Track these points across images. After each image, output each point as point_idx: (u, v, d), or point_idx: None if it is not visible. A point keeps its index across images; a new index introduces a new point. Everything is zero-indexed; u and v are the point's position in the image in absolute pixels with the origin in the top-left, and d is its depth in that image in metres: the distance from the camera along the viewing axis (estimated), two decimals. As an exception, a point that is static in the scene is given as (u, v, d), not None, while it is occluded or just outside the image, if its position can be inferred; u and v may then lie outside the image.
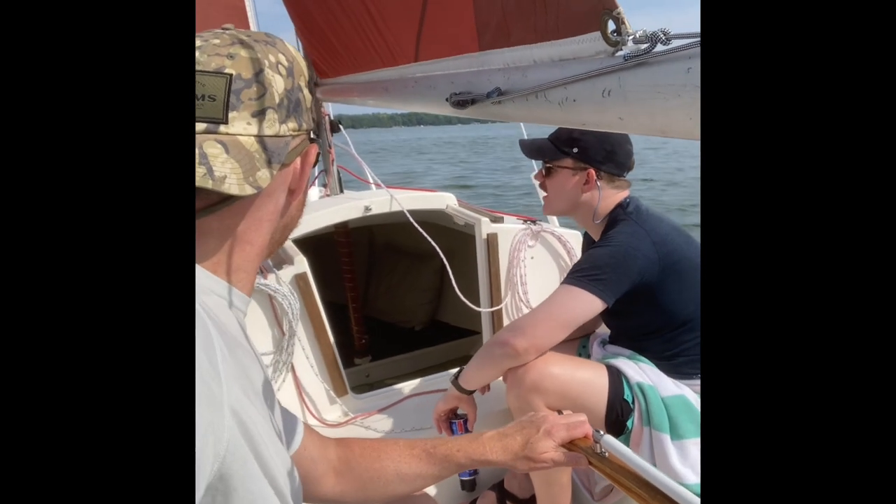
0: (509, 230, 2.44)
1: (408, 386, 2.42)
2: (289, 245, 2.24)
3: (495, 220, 2.44)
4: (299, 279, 2.13)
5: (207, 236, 0.81)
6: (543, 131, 1.86)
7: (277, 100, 0.82)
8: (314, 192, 3.07)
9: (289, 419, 1.04)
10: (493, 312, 2.43)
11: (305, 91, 0.90)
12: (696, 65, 0.74)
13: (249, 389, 0.75)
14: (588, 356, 2.00)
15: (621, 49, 0.88)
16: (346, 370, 2.70)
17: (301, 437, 1.06)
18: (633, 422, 1.65)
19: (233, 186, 0.74)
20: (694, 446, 1.61)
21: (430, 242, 2.32)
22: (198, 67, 0.77)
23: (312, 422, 2.17)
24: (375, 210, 2.42)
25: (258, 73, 0.80)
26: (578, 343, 2.13)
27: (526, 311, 2.39)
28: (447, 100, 1.29)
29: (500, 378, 1.73)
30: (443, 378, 2.37)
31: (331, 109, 2.85)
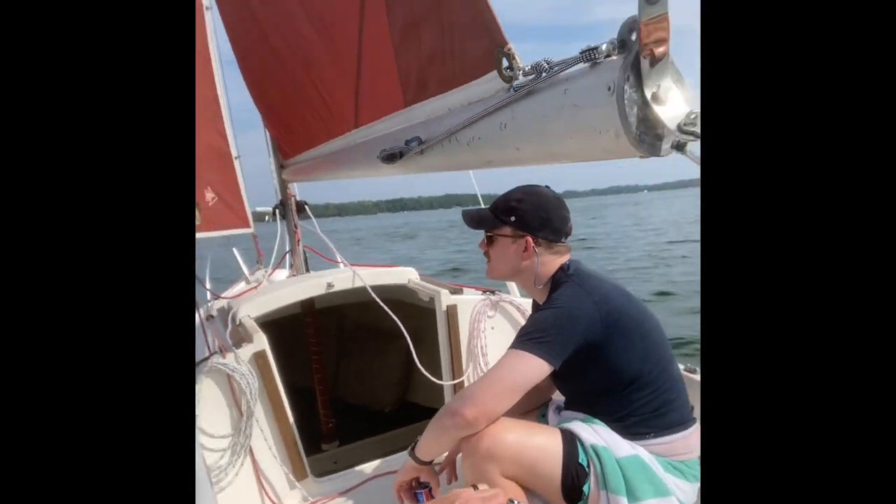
0: (469, 301, 2.43)
1: (370, 467, 2.34)
2: (248, 323, 2.21)
3: (454, 291, 2.44)
4: (258, 357, 2.09)
5: None
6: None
7: None
8: (282, 273, 3.08)
9: None
10: (454, 385, 2.38)
11: None
12: (574, 85, 0.77)
13: None
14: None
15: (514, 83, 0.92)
16: (313, 456, 2.61)
17: None
18: (590, 486, 1.58)
19: None
20: (652, 509, 1.54)
21: (394, 319, 2.30)
22: None
23: (270, 507, 2.07)
24: (338, 287, 2.42)
25: None
26: (537, 413, 2.07)
27: (486, 381, 2.34)
28: (378, 157, 1.32)
29: None
30: (404, 457, 2.29)
31: (297, 191, 2.90)
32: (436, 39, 1.09)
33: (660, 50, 0.66)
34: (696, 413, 1.76)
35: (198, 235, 2.80)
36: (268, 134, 2.67)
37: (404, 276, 2.62)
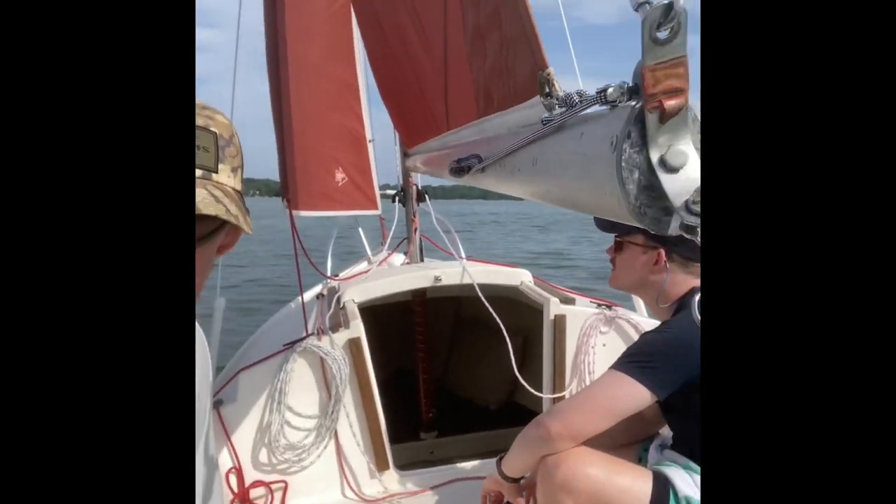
0: (580, 313, 2.28)
1: (461, 467, 2.30)
2: (350, 308, 2.25)
3: (566, 300, 2.30)
4: (352, 343, 2.12)
5: None
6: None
7: (242, 162, 0.92)
8: (397, 259, 3.10)
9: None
10: (553, 399, 2.26)
11: None
12: (589, 130, 0.65)
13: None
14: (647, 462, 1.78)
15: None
16: (409, 444, 2.63)
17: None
18: (671, 544, 1.42)
19: (244, 225, 0.83)
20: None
21: (497, 319, 2.23)
22: None
23: (349, 494, 2.11)
24: (446, 281, 2.38)
25: (231, 137, 0.90)
26: (639, 447, 1.91)
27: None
28: (448, 168, 1.25)
29: None
30: None
31: (419, 179, 2.90)
32: (496, 51, 0.99)
33: (671, 103, 0.51)
34: None
35: (325, 214, 2.89)
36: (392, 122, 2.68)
37: (517, 277, 2.53)
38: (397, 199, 2.82)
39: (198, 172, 0.82)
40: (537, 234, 28.62)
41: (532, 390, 2.18)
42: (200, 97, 0.85)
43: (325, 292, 2.76)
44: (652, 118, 0.52)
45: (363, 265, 3.37)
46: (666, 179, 0.52)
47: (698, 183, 0.50)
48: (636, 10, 0.55)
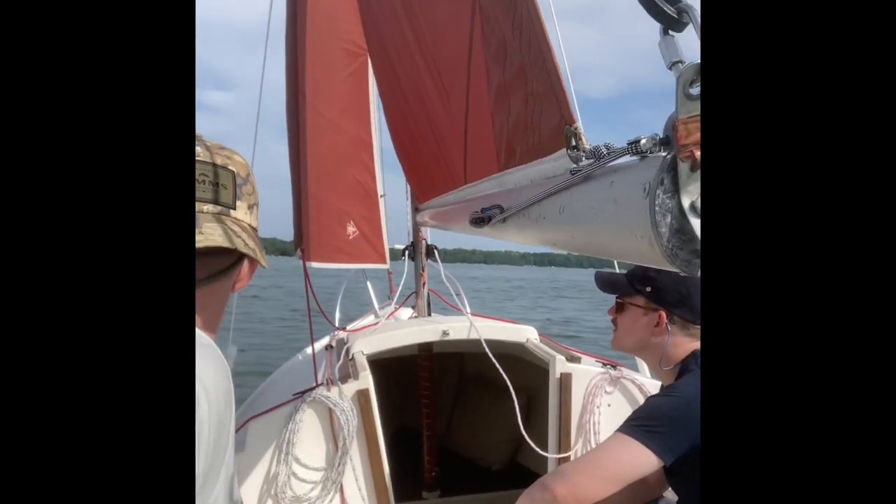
0: (585, 372, 2.28)
1: None
2: (359, 359, 2.25)
3: (571, 359, 2.30)
4: (361, 395, 2.11)
5: (209, 298, 0.88)
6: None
7: (257, 200, 0.96)
8: (404, 313, 3.11)
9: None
10: (559, 459, 2.24)
11: None
12: (620, 178, 0.68)
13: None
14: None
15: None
16: (411, 503, 2.58)
17: None
18: None
19: (261, 259, 0.88)
20: None
21: (504, 376, 2.23)
22: (206, 159, 0.87)
23: (353, 550, 2.06)
24: (453, 336, 2.39)
25: (247, 175, 0.94)
26: (644, 510, 1.88)
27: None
28: (468, 219, 1.28)
29: None
30: None
31: (428, 235, 2.94)
32: (521, 106, 1.04)
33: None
34: None
35: (333, 266, 2.93)
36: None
37: (523, 334, 2.53)
38: (407, 253, 2.85)
39: (216, 209, 0.86)
40: (548, 300, 28.80)
41: (538, 449, 2.16)
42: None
43: (333, 343, 2.76)
44: (684, 167, 0.56)
45: (370, 318, 3.38)
46: (696, 224, 0.55)
47: None
48: (670, 68, 0.60)
